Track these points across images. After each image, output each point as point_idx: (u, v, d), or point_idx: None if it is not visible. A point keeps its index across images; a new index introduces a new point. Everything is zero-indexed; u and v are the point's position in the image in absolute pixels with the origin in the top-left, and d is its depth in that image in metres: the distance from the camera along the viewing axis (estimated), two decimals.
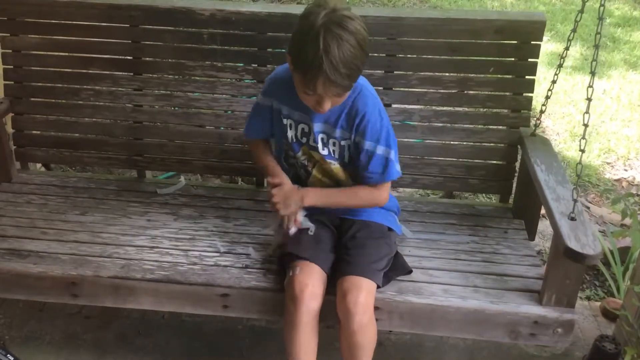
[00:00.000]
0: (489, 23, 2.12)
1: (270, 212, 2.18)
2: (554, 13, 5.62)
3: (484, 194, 3.01)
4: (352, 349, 1.76)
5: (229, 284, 1.86)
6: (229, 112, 2.32)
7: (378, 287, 1.77)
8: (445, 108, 2.24)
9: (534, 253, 2.06)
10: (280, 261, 1.86)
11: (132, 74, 2.31)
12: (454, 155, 2.28)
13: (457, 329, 1.84)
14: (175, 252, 1.98)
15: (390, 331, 2.26)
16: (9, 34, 2.31)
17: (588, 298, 2.54)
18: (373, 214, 1.93)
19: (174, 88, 2.32)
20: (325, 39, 1.56)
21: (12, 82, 2.36)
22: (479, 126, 2.25)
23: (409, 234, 2.10)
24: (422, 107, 2.24)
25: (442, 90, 2.21)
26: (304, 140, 1.88)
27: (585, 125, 1.69)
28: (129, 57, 2.30)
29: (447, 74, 2.20)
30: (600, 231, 2.84)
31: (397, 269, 1.86)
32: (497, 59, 2.18)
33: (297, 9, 2.16)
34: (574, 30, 1.85)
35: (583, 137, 1.68)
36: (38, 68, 2.35)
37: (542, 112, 2.14)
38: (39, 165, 2.67)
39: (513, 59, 2.17)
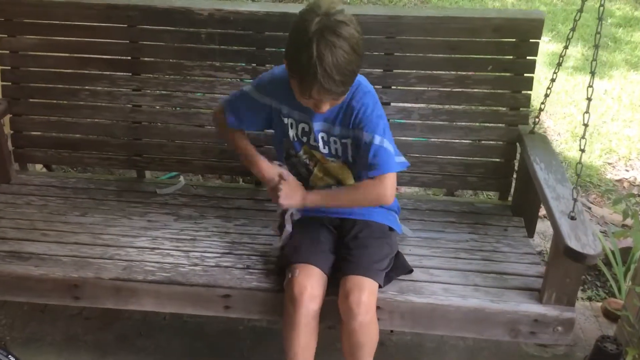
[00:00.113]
0: (487, 21, 2.13)
1: (270, 212, 2.20)
2: (555, 13, 5.60)
3: (484, 192, 3.01)
4: (353, 348, 1.78)
5: (230, 284, 1.86)
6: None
7: (380, 286, 1.78)
8: (444, 106, 2.24)
9: (534, 251, 2.07)
10: (280, 262, 1.86)
11: (130, 74, 2.31)
12: (453, 153, 2.28)
13: (457, 327, 1.85)
14: (176, 253, 1.99)
15: (392, 331, 2.27)
16: (6, 35, 2.30)
17: (589, 298, 2.54)
18: (374, 214, 1.93)
19: (172, 88, 2.32)
20: (319, 47, 1.55)
21: (10, 83, 2.35)
22: (478, 124, 2.25)
23: (409, 233, 2.10)
24: (420, 105, 2.24)
25: (440, 89, 2.21)
26: (305, 139, 1.89)
27: (585, 125, 1.69)
28: (127, 57, 2.30)
29: (445, 73, 2.20)
30: (601, 232, 2.83)
31: (398, 268, 1.87)
32: (496, 57, 2.18)
33: (296, 8, 2.15)
34: (573, 29, 1.86)
35: (583, 137, 1.68)
36: (36, 69, 2.35)
37: (541, 110, 2.15)
38: (39, 166, 2.66)
39: (511, 57, 2.17)
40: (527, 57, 2.15)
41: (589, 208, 3.08)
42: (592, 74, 1.65)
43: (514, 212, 2.26)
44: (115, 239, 2.05)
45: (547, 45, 4.86)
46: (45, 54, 2.33)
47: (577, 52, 4.79)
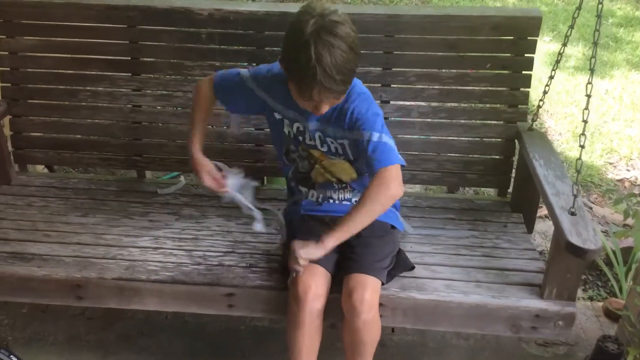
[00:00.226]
0: (485, 19, 2.14)
1: (271, 211, 2.21)
2: (556, 13, 5.62)
3: (482, 189, 3.03)
4: (355, 344, 1.80)
5: (233, 283, 1.87)
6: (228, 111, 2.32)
7: (382, 284, 1.79)
8: (443, 104, 2.26)
9: (534, 247, 2.09)
10: (284, 261, 1.87)
11: (130, 74, 2.31)
12: (452, 151, 2.29)
13: (459, 323, 1.87)
14: (178, 253, 1.99)
15: (393, 330, 2.29)
16: (5, 36, 2.30)
17: (591, 298, 2.55)
18: None
19: (172, 88, 2.32)
20: (317, 48, 1.55)
21: (10, 85, 2.35)
22: (477, 121, 2.26)
23: (410, 230, 2.12)
24: (420, 103, 2.25)
25: (439, 87, 2.23)
26: (300, 138, 1.90)
27: (585, 122, 1.71)
28: (127, 58, 2.30)
29: (444, 71, 2.21)
30: (602, 231, 2.84)
31: (400, 266, 1.88)
32: (494, 54, 2.19)
33: (295, 8, 2.16)
34: (571, 27, 1.87)
35: (582, 134, 1.70)
36: (35, 70, 2.35)
37: (539, 107, 2.17)
38: (41, 167, 2.66)
39: (510, 54, 2.18)
40: (525, 55, 2.17)
41: (590, 208, 3.09)
42: (592, 71, 1.67)
43: (513, 209, 2.28)
44: (117, 239, 2.05)
45: (548, 45, 4.87)
46: (44, 54, 2.33)
47: (578, 51, 4.80)
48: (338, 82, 1.60)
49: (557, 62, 2.00)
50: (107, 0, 2.24)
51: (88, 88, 2.33)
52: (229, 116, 2.14)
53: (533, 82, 2.25)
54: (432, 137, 2.28)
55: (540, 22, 2.13)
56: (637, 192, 3.27)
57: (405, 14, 2.17)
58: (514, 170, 2.32)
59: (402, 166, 1.75)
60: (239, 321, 2.34)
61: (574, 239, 1.64)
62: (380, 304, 1.80)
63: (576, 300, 1.81)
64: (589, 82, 1.67)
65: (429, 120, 2.26)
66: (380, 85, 2.23)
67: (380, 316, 1.80)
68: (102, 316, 2.36)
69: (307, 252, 1.72)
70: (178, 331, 2.32)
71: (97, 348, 2.26)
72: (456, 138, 2.28)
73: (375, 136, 1.73)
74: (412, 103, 2.25)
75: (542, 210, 2.91)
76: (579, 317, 2.33)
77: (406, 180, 2.37)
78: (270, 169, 2.36)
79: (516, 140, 2.24)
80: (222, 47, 2.24)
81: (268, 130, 2.13)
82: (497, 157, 2.29)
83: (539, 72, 4.00)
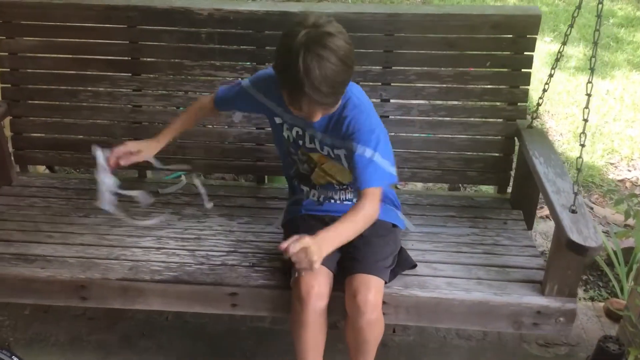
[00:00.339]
0: (485, 18, 2.15)
1: (273, 210, 2.23)
2: (557, 14, 5.62)
3: (480, 186, 3.04)
4: (359, 344, 1.82)
5: (237, 282, 1.88)
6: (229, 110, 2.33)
7: (385, 283, 1.80)
8: (443, 102, 2.27)
9: (534, 243, 2.10)
10: (285, 261, 1.88)
11: (130, 74, 2.32)
12: (452, 149, 2.31)
13: (461, 320, 1.88)
14: (182, 253, 2.00)
15: (394, 331, 2.30)
16: (4, 37, 2.30)
17: (592, 299, 2.55)
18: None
19: (173, 88, 2.33)
20: (305, 60, 1.54)
21: (10, 85, 2.35)
22: (477, 119, 2.28)
23: (412, 228, 2.13)
24: (420, 101, 2.27)
25: (439, 85, 2.24)
26: (300, 142, 1.90)
27: (585, 120, 1.72)
28: (127, 58, 2.30)
29: (444, 69, 2.23)
30: (604, 232, 2.85)
31: (402, 264, 1.89)
32: (494, 53, 2.20)
33: (295, 7, 2.20)
34: (570, 26, 1.89)
35: (583, 132, 1.71)
36: (35, 70, 2.35)
37: (539, 104, 2.18)
38: (42, 167, 2.66)
39: (509, 52, 2.19)
40: (525, 53, 2.18)
41: (591, 208, 3.09)
42: (592, 70, 1.68)
43: (513, 205, 2.30)
44: (120, 240, 2.06)
45: (549, 46, 4.87)
46: (44, 55, 2.32)
47: (579, 52, 4.81)
48: (327, 94, 1.59)
49: (557, 60, 2.01)
50: (107, 0, 2.24)
51: (88, 88, 2.33)
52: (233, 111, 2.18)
53: (534, 83, 2.26)
54: (432, 135, 2.30)
55: (540, 20, 2.14)
56: (638, 193, 3.26)
57: (405, 12, 2.19)
58: (513, 168, 2.34)
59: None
60: (239, 322, 2.35)
61: (575, 237, 1.66)
62: (384, 302, 1.81)
63: (577, 296, 1.83)
64: (589, 82, 1.68)
65: (429, 118, 2.27)
66: (380, 83, 2.24)
67: (384, 314, 1.82)
68: (103, 317, 2.37)
69: (318, 251, 1.62)
70: (179, 332, 2.32)
71: (99, 349, 2.26)
72: (456, 136, 2.29)
73: (368, 153, 1.72)
74: (412, 101, 2.27)
75: (543, 211, 2.93)
76: (580, 318, 2.35)
77: (407, 179, 2.40)
78: (271, 167, 2.37)
79: (516, 138, 2.25)
80: (222, 46, 2.25)
81: (269, 129, 2.14)
82: (497, 154, 2.30)
83: (540, 73, 4.01)
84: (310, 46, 1.55)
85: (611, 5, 5.95)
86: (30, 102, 2.38)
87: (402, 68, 2.23)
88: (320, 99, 1.60)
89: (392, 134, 2.27)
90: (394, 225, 1.98)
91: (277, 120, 1.91)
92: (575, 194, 1.78)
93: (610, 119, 3.92)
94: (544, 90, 2.10)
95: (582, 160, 1.75)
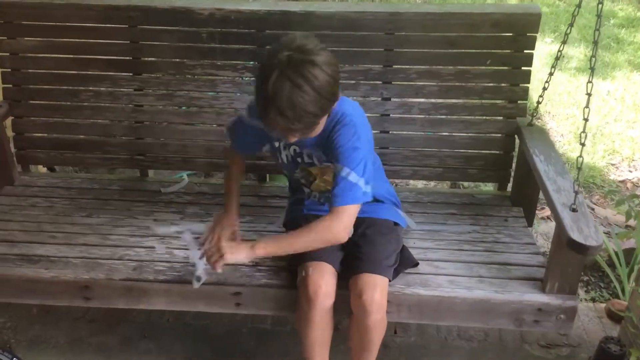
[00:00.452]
0: (485, 16, 2.16)
1: (275, 208, 2.24)
2: (558, 14, 5.62)
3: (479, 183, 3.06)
4: (364, 343, 1.84)
5: (240, 282, 1.89)
6: (230, 109, 2.34)
7: (389, 281, 1.82)
8: (443, 100, 2.28)
9: (534, 241, 2.12)
10: (291, 261, 1.90)
11: (131, 74, 2.32)
12: (453, 147, 2.32)
13: (463, 318, 1.90)
14: (185, 252, 2.01)
15: (395, 332, 2.31)
16: (6, 37, 2.30)
17: (593, 299, 2.56)
18: (379, 211, 1.96)
19: (174, 87, 2.33)
20: (276, 83, 1.51)
21: (11, 85, 2.36)
22: (477, 117, 2.29)
23: (413, 225, 2.14)
24: (421, 100, 2.27)
25: (440, 83, 2.25)
26: (299, 160, 1.91)
27: (586, 120, 1.73)
28: (128, 58, 2.31)
29: (445, 67, 2.23)
30: (605, 232, 2.85)
31: (404, 262, 1.90)
32: (494, 51, 2.21)
33: (296, 6, 2.20)
34: (571, 25, 1.90)
35: (583, 131, 1.72)
36: (36, 71, 2.35)
37: (539, 102, 2.19)
38: (42, 167, 2.67)
39: (509, 50, 2.20)
40: (525, 51, 2.19)
41: (592, 209, 3.10)
42: (592, 69, 1.69)
43: (513, 203, 2.31)
44: (123, 239, 2.06)
45: (550, 47, 4.88)
46: (45, 55, 2.33)
47: (579, 52, 4.81)
48: (293, 120, 1.56)
49: (557, 58, 2.02)
50: (108, 0, 2.24)
51: (90, 88, 2.34)
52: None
53: (534, 83, 2.28)
54: (432, 134, 2.31)
55: (540, 19, 2.15)
56: (639, 194, 3.25)
57: (406, 11, 2.18)
58: (513, 165, 2.35)
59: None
60: (240, 323, 2.36)
61: (576, 236, 1.67)
62: (387, 301, 1.83)
63: (577, 294, 1.84)
64: (589, 81, 1.69)
65: (430, 116, 2.28)
66: (381, 82, 2.25)
67: (386, 312, 1.83)
68: (104, 319, 2.38)
69: (236, 257, 1.75)
70: (180, 333, 2.33)
71: (99, 351, 2.26)
72: (457, 134, 2.30)
73: (345, 172, 1.70)
74: (413, 100, 2.27)
75: (544, 212, 2.94)
76: (582, 319, 2.36)
77: (408, 177, 2.41)
78: (272, 166, 2.37)
79: (516, 136, 2.27)
80: (223, 46, 2.25)
81: None
82: (497, 152, 2.31)
83: (541, 73, 4.02)
84: (285, 70, 1.52)
85: (612, 5, 5.96)
86: (31, 102, 2.39)
87: (403, 67, 2.24)
88: (286, 124, 1.57)
89: (393, 132, 2.30)
90: (396, 224, 1.99)
91: (276, 143, 1.91)
92: (576, 192, 1.79)
93: (611, 119, 3.93)
94: (544, 89, 2.11)
95: (583, 159, 1.76)
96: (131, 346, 2.28)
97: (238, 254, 1.75)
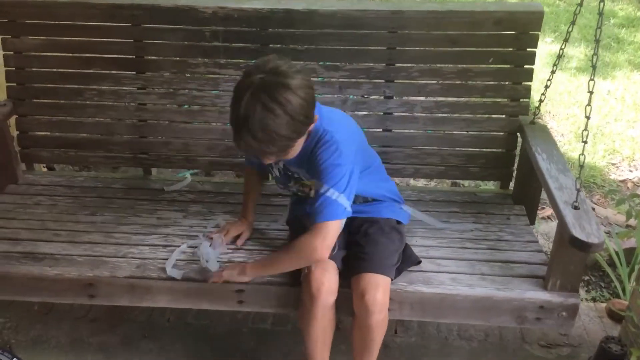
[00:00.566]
0: (488, 14, 2.17)
1: (277, 207, 2.24)
2: (558, 14, 5.62)
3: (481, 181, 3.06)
4: (366, 342, 1.85)
5: (243, 279, 1.90)
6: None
7: (391, 280, 1.82)
8: (445, 99, 2.28)
9: (536, 238, 2.12)
10: None
11: (135, 72, 2.33)
12: (455, 145, 2.33)
13: (465, 316, 1.90)
14: (188, 250, 2.02)
15: (395, 332, 2.32)
16: (10, 36, 2.31)
17: (593, 299, 2.56)
18: (381, 211, 1.97)
19: (177, 86, 2.34)
20: (248, 105, 1.51)
21: (15, 84, 2.37)
22: (479, 116, 2.29)
23: (439, 225, 2.14)
24: (423, 98, 2.28)
25: (442, 82, 2.25)
26: (289, 173, 1.92)
27: (587, 118, 1.74)
28: (131, 56, 2.32)
29: (447, 65, 2.24)
30: (605, 232, 2.86)
31: (407, 260, 1.91)
32: (496, 49, 2.22)
33: (299, 5, 2.21)
34: (572, 23, 1.90)
35: (585, 129, 1.73)
36: (40, 69, 2.36)
37: (541, 100, 2.19)
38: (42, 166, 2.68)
39: (512, 49, 2.21)
40: (527, 49, 2.19)
41: (593, 209, 3.11)
42: (594, 67, 1.70)
43: (515, 201, 2.32)
44: (127, 237, 2.07)
45: (550, 47, 4.88)
46: (49, 54, 2.34)
47: (580, 52, 4.82)
48: (265, 143, 1.56)
49: (560, 56, 2.03)
50: None
51: (93, 87, 2.35)
52: None
53: (535, 83, 2.27)
54: (433, 132, 2.31)
55: (542, 17, 2.15)
56: (639, 193, 3.29)
57: (408, 9, 2.19)
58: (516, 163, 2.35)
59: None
60: (241, 323, 2.37)
61: (578, 233, 1.67)
62: (389, 298, 1.83)
63: (579, 291, 1.85)
64: (591, 79, 1.69)
65: (432, 115, 2.29)
66: (383, 81, 2.26)
67: (389, 309, 1.84)
68: (105, 319, 2.38)
69: (231, 275, 1.85)
70: (180, 333, 2.33)
71: (100, 351, 2.27)
72: (459, 132, 2.31)
73: (325, 189, 1.70)
74: (416, 98, 2.28)
75: (545, 212, 2.94)
76: (582, 319, 2.37)
77: (410, 175, 2.42)
78: None
79: (518, 134, 2.27)
80: (226, 44, 2.26)
81: None
82: (499, 150, 2.32)
83: (542, 73, 4.02)
84: (257, 92, 1.52)
85: (612, 5, 5.96)
86: (35, 100, 2.40)
87: (405, 65, 2.25)
88: (258, 147, 1.57)
89: (395, 130, 2.31)
90: (399, 222, 1.99)
91: None
92: (578, 190, 1.79)
93: (611, 119, 3.94)
94: (547, 86, 2.11)
95: (585, 157, 1.76)
96: (132, 346, 2.29)
97: (232, 279, 1.85)
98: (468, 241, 2.08)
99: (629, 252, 2.54)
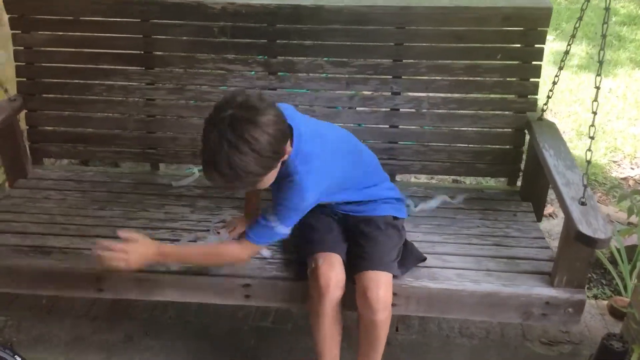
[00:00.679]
0: (496, 10, 2.16)
1: None
2: (559, 12, 5.60)
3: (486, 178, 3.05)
4: (370, 339, 1.85)
5: (250, 274, 1.91)
6: None
7: (395, 277, 1.82)
8: (453, 95, 2.28)
9: (543, 235, 2.12)
10: (300, 253, 1.92)
11: (143, 68, 2.34)
12: (463, 141, 2.33)
13: (471, 312, 1.90)
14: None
15: (397, 330, 2.32)
16: (20, 31, 2.33)
17: (595, 297, 2.56)
18: (376, 209, 1.95)
19: (185, 81, 2.35)
20: (215, 141, 1.50)
21: (25, 79, 2.39)
22: (487, 112, 2.29)
23: (428, 206, 2.16)
24: (430, 94, 2.28)
25: (450, 78, 2.25)
26: None
27: (594, 113, 1.74)
28: (140, 52, 2.33)
29: (455, 62, 2.24)
30: None
31: (412, 258, 1.91)
32: (504, 45, 2.22)
33: (306, 0, 2.22)
34: (580, 19, 1.90)
35: (592, 125, 1.73)
36: (50, 64, 2.38)
37: (549, 97, 2.19)
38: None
39: (520, 45, 2.21)
40: (535, 45, 2.19)
41: None
42: (600, 63, 1.69)
43: (522, 197, 2.31)
44: (135, 232, 2.08)
45: (552, 44, 4.86)
46: (59, 49, 2.35)
47: (581, 50, 4.80)
48: (233, 181, 1.55)
49: (567, 52, 2.03)
50: None
51: (102, 82, 2.36)
52: None
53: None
54: (442, 128, 2.31)
55: (551, 13, 2.15)
56: None
57: (416, 5, 2.19)
58: (523, 160, 2.35)
59: None
60: (242, 321, 2.38)
61: (584, 229, 1.67)
62: (394, 294, 1.83)
63: (585, 287, 1.85)
64: (598, 74, 1.69)
65: (440, 111, 2.29)
66: (391, 77, 2.26)
67: (394, 305, 1.84)
68: (106, 317, 2.39)
69: (139, 248, 1.77)
70: (181, 332, 2.34)
71: (101, 349, 2.27)
72: (466, 128, 2.31)
73: (271, 218, 1.72)
74: (423, 94, 2.28)
75: (547, 210, 2.93)
76: (584, 316, 2.34)
77: (417, 171, 2.42)
78: None
79: (526, 130, 2.27)
80: (234, 40, 2.27)
81: None
82: (507, 147, 2.32)
83: (543, 71, 4.01)
84: (224, 129, 1.50)
85: (614, 3, 5.94)
86: (45, 95, 2.41)
87: (413, 61, 2.25)
88: (226, 183, 1.57)
89: (402, 127, 2.31)
90: (395, 218, 1.97)
91: None
92: (585, 186, 1.79)
93: (613, 117, 3.93)
94: (554, 83, 2.11)
95: (592, 152, 1.76)
96: (133, 344, 2.29)
97: (142, 245, 1.77)
98: (474, 237, 2.08)
99: (631, 250, 2.53)
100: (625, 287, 2.47)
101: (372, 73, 2.26)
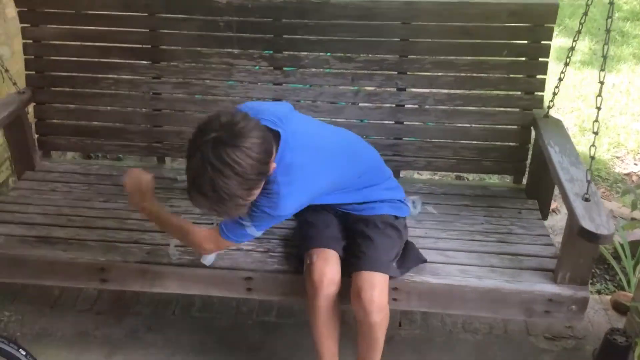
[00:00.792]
0: (502, 6, 2.16)
1: None
2: (562, 8, 5.57)
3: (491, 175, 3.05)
4: (367, 339, 1.84)
5: (252, 267, 1.92)
6: (246, 98, 2.36)
7: (391, 277, 1.81)
8: (459, 91, 2.28)
9: (547, 232, 2.11)
10: (299, 248, 1.92)
11: (150, 62, 2.36)
12: (468, 138, 2.32)
13: (473, 307, 1.89)
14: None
15: (400, 325, 2.31)
16: (29, 25, 2.36)
17: (598, 292, 2.55)
18: (375, 208, 1.94)
19: (191, 76, 2.36)
20: (198, 167, 1.49)
21: (34, 72, 2.41)
22: (493, 108, 2.28)
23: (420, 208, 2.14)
24: (436, 90, 2.27)
25: (455, 74, 2.24)
26: None
27: (598, 108, 1.73)
28: (147, 46, 2.35)
29: (460, 58, 2.23)
30: None
31: (412, 259, 1.90)
32: (511, 41, 2.21)
33: None
34: (585, 14, 1.89)
35: (596, 120, 1.72)
36: (58, 58, 2.40)
37: (555, 94, 2.18)
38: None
39: (526, 41, 2.19)
40: (542, 42, 2.18)
41: None
42: (604, 57, 1.68)
43: (528, 195, 2.30)
44: (140, 224, 2.10)
45: (554, 40, 4.85)
46: (67, 43, 2.38)
47: (584, 46, 4.78)
48: (216, 204, 1.54)
49: (572, 49, 2.02)
50: None
51: (110, 76, 2.38)
52: None
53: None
54: (447, 124, 2.30)
55: (557, 9, 2.14)
56: None
57: (422, 1, 2.19)
58: (529, 157, 2.33)
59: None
60: (246, 316, 2.38)
61: (587, 225, 1.66)
62: (395, 288, 1.84)
63: (589, 285, 1.83)
64: (602, 69, 1.68)
65: (445, 107, 2.28)
66: (396, 72, 2.26)
67: (395, 300, 1.85)
68: (110, 311, 2.40)
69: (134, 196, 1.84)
70: (185, 326, 2.34)
71: (105, 343, 2.28)
72: (472, 125, 2.30)
73: (244, 219, 1.71)
74: (428, 90, 2.28)
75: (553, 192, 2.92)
76: (587, 311, 2.31)
77: (421, 167, 2.41)
78: None
79: (532, 127, 2.25)
80: (240, 35, 2.28)
81: None
82: (512, 144, 2.30)
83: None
84: (207, 154, 1.47)
85: None
86: (53, 88, 2.44)
87: (419, 57, 2.24)
88: (209, 205, 1.55)
89: (407, 123, 2.30)
90: (396, 217, 1.95)
91: None
92: (589, 182, 1.78)
93: (616, 112, 3.91)
94: (560, 79, 2.11)
95: (596, 148, 1.75)
96: (137, 339, 2.30)
97: (133, 199, 1.85)
98: (478, 234, 2.07)
99: (634, 245, 2.52)
100: (628, 282, 2.46)
101: (377, 69, 2.26)
